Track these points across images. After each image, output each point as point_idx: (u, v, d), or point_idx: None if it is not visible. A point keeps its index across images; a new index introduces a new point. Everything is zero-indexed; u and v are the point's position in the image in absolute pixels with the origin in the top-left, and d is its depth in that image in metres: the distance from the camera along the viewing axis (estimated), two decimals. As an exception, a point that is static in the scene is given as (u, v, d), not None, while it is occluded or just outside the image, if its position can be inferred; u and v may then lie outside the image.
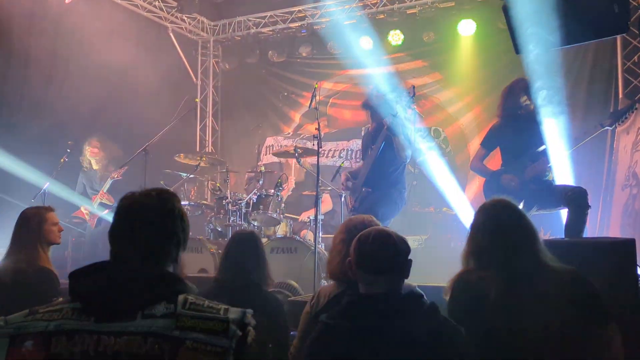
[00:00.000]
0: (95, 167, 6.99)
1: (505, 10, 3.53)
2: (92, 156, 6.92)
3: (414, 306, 2.04)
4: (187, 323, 1.47)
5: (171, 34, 8.90)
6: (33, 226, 3.67)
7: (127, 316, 1.47)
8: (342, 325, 2.04)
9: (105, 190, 6.71)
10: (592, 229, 6.40)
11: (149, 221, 1.62)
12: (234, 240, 3.31)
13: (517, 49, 3.57)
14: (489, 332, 2.40)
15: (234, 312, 1.53)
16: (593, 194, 6.64)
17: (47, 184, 6.04)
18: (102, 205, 6.80)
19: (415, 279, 5.84)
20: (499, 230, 2.50)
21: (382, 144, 4.68)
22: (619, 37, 6.53)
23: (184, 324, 1.46)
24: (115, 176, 6.62)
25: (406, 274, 2.15)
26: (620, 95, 6.78)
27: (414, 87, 4.70)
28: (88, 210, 6.84)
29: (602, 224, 6.67)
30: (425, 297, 2.09)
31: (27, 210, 3.77)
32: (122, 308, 1.48)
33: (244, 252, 3.19)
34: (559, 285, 2.38)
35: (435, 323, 2.02)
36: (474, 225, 2.61)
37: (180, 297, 1.53)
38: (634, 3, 6.40)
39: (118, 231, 1.64)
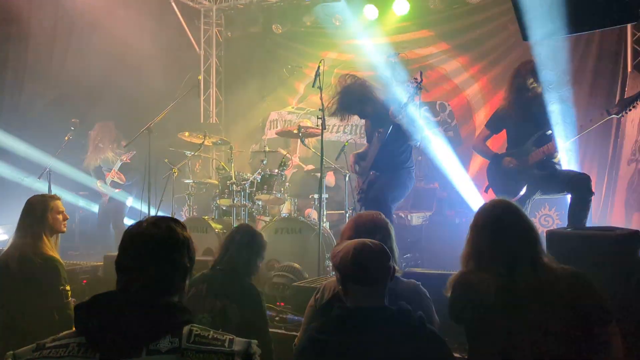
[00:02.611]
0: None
1: (513, -3, 3.43)
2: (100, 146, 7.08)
3: (401, 322, 2.08)
4: (193, 358, 1.49)
5: (173, 3, 8.74)
6: (38, 215, 3.71)
7: (132, 352, 1.48)
8: (328, 340, 2.08)
9: (117, 170, 6.82)
10: (597, 205, 6.41)
11: (156, 254, 1.63)
12: (230, 233, 3.39)
13: (524, 36, 3.49)
14: (489, 334, 2.45)
15: (238, 344, 1.55)
16: (598, 168, 6.68)
17: (52, 163, 6.05)
18: (114, 183, 6.90)
19: (419, 256, 5.91)
20: (499, 232, 2.50)
21: (389, 128, 4.61)
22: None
23: (189, 359, 1.48)
24: (124, 159, 6.73)
25: (388, 282, 2.21)
26: (629, 69, 6.66)
27: (421, 73, 4.56)
28: (101, 186, 6.97)
29: (606, 199, 6.66)
30: (412, 312, 2.11)
31: (33, 199, 3.80)
32: (127, 344, 1.49)
33: (237, 242, 3.28)
34: (558, 286, 2.39)
35: (422, 339, 2.06)
36: (474, 226, 2.61)
37: (185, 329, 1.54)
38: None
39: (125, 262, 1.64)
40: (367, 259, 2.17)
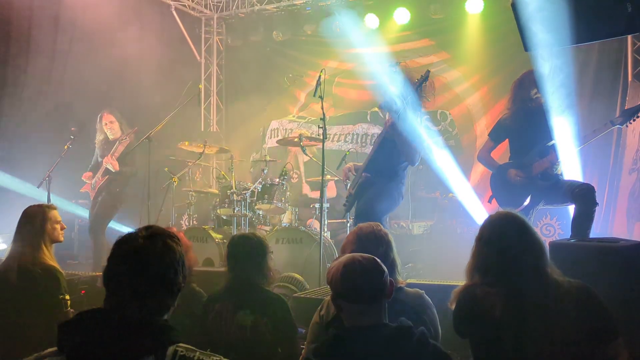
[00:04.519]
0: (110, 137, 6.68)
1: (514, 7, 3.43)
2: (107, 129, 6.64)
3: (402, 339, 2.01)
4: None
5: (174, 12, 8.76)
6: (37, 225, 3.70)
7: None
8: None
9: (113, 156, 6.43)
10: (598, 215, 6.36)
11: (150, 272, 1.56)
12: (230, 246, 3.32)
13: (526, 47, 3.48)
14: (495, 348, 2.41)
15: None
16: (599, 178, 6.66)
17: (51, 172, 6.03)
18: (106, 170, 6.52)
19: (421, 266, 5.89)
20: (505, 246, 2.47)
21: (385, 133, 4.59)
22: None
23: None
24: (124, 138, 6.38)
25: (385, 299, 2.13)
26: (630, 78, 6.66)
27: (428, 71, 4.48)
28: (88, 176, 6.68)
29: (607, 209, 6.64)
30: (413, 329, 2.05)
31: (30, 209, 3.78)
32: None
33: (243, 256, 3.21)
34: (565, 301, 2.36)
35: (424, 356, 2.00)
36: (480, 239, 2.58)
37: (170, 350, 1.50)
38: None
39: (115, 276, 1.57)
40: (357, 276, 2.08)
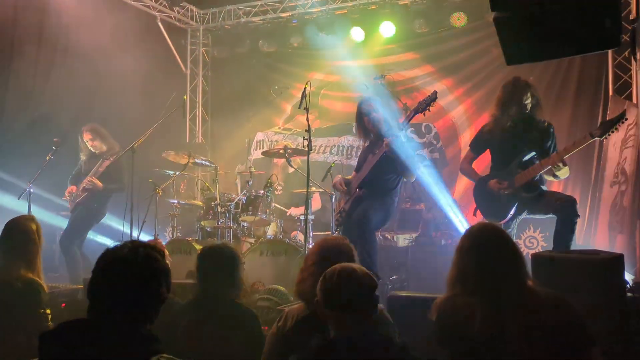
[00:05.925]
0: (97, 152, 6.54)
1: (496, 22, 3.46)
2: (90, 146, 6.51)
3: (383, 351, 2.02)
4: None
5: (159, 23, 8.75)
6: (32, 236, 3.69)
7: None
8: None
9: (97, 172, 6.31)
10: (580, 227, 6.43)
11: (133, 282, 1.58)
12: (200, 258, 3.27)
13: (508, 60, 3.52)
14: (475, 358, 2.42)
15: None
16: (582, 190, 6.74)
17: (32, 183, 5.96)
18: (85, 189, 6.34)
19: (405, 278, 5.86)
20: (485, 257, 2.50)
21: (383, 153, 4.64)
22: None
23: None
24: (108, 157, 6.30)
25: (374, 310, 2.14)
26: (611, 92, 6.76)
27: (435, 92, 4.60)
28: (71, 191, 6.50)
29: (590, 221, 6.71)
30: (395, 340, 2.06)
31: (20, 221, 3.76)
32: None
33: (213, 268, 3.16)
34: (542, 310, 2.39)
35: None
36: (460, 250, 2.60)
37: None
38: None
39: (98, 288, 1.58)
40: (336, 283, 2.11)
